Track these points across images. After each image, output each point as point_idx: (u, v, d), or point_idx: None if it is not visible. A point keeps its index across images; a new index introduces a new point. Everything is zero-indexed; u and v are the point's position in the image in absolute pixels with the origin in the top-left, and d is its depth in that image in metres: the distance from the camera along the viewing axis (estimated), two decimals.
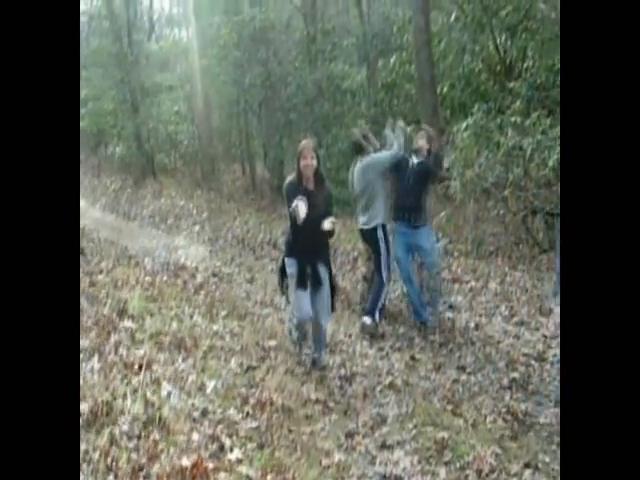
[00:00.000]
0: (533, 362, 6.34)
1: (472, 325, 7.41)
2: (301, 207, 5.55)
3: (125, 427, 4.32)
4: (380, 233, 7.33)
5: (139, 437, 4.26)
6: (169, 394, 4.98)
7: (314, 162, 5.94)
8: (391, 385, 5.79)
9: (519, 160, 10.45)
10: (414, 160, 7.49)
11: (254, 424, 4.73)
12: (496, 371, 6.16)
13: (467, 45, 15.87)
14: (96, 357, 5.48)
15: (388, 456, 4.55)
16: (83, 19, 22.72)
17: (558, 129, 9.64)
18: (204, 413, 4.77)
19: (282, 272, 6.27)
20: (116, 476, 3.74)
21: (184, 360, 5.84)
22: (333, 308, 6.38)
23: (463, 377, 6.05)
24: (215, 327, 7.02)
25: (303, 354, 6.41)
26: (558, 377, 5.85)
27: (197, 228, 14.21)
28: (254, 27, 16.76)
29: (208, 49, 19.41)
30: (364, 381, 5.92)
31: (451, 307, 8.10)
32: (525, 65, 15.19)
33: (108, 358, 5.51)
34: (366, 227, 7.48)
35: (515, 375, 6.01)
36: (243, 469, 4.05)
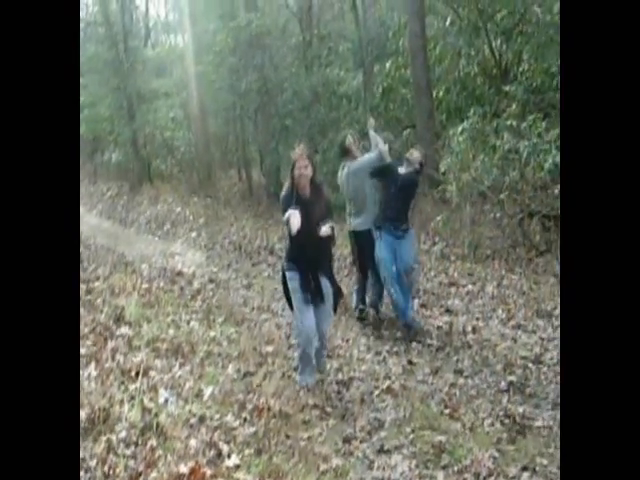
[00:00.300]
0: (530, 365, 6.33)
1: (469, 328, 7.41)
2: (294, 218, 5.39)
3: (122, 434, 4.31)
4: (377, 234, 7.41)
5: (136, 444, 4.25)
6: (166, 401, 4.97)
7: (308, 171, 5.75)
8: (388, 389, 5.78)
9: (515, 163, 10.46)
10: (405, 169, 7.54)
11: (252, 430, 4.72)
12: (493, 374, 6.15)
13: (463, 49, 15.91)
14: (93, 364, 5.48)
15: (386, 460, 4.55)
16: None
17: (554, 132, 9.67)
18: (201, 419, 4.76)
19: (285, 283, 6.05)
20: None
21: (181, 366, 5.83)
22: (335, 311, 6.31)
23: (460, 381, 6.04)
24: (212, 333, 7.02)
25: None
26: (555, 380, 5.85)
27: (194, 234, 14.21)
28: (250, 33, 16.76)
29: (204, 55, 19.42)
30: (361, 386, 5.91)
31: (448, 311, 8.10)
32: (520, 69, 15.24)
33: (105, 365, 5.51)
34: (361, 229, 7.59)
35: (512, 378, 6.00)
36: (241, 475, 4.05)
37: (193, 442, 4.36)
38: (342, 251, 10.52)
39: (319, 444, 4.72)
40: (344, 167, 7.80)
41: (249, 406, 5.09)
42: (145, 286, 8.77)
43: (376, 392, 5.70)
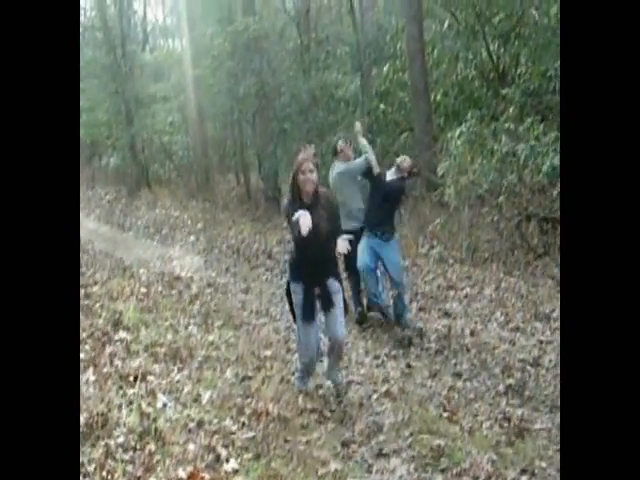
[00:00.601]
0: (529, 368, 6.33)
1: (467, 332, 7.40)
2: (304, 218, 4.95)
3: (121, 439, 4.32)
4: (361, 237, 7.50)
5: (135, 449, 4.26)
6: (165, 405, 4.97)
7: (314, 176, 5.34)
8: (387, 393, 5.78)
9: (513, 166, 10.47)
10: (394, 175, 7.59)
11: (250, 434, 4.72)
12: (492, 377, 6.15)
13: (460, 52, 15.92)
14: (91, 369, 5.48)
15: (384, 464, 4.55)
16: None
17: (551, 135, 9.68)
18: (200, 424, 4.76)
19: (289, 296, 5.67)
20: None
21: (179, 371, 5.84)
22: (346, 310, 5.92)
23: (459, 384, 6.04)
24: (210, 337, 7.02)
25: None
26: (554, 382, 5.85)
27: (192, 238, 14.20)
28: (248, 37, 16.76)
29: (202, 59, 19.40)
30: (360, 389, 5.91)
31: (446, 314, 8.10)
32: (518, 72, 15.25)
33: (103, 370, 5.51)
34: (346, 228, 7.66)
35: (511, 381, 6.00)
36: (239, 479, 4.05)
37: (191, 447, 4.37)
38: None
39: (318, 448, 4.72)
40: (333, 167, 7.86)
41: (247, 410, 5.09)
42: (143, 291, 8.78)
43: (375, 396, 5.70)
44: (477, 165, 10.56)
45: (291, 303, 5.67)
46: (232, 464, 4.23)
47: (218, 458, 4.29)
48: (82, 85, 20.52)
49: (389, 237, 7.62)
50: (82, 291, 8.05)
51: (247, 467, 4.25)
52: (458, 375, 6.26)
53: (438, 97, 16.23)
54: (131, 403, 4.89)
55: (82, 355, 5.68)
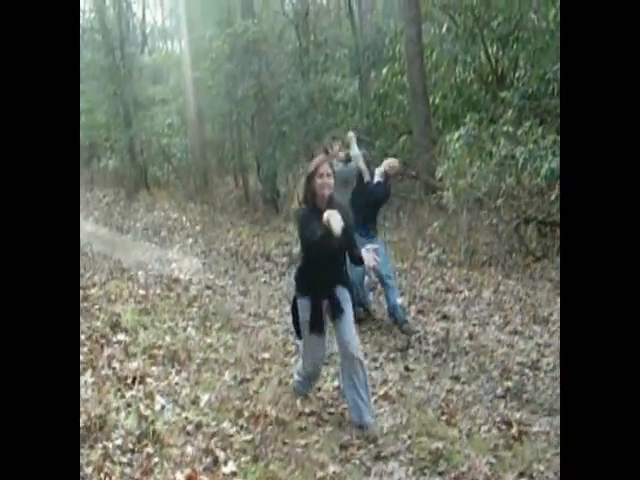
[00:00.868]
0: (527, 371, 6.33)
1: (466, 335, 7.41)
2: (335, 217, 4.49)
3: (119, 441, 4.32)
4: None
5: (133, 451, 4.26)
6: (163, 408, 4.97)
7: (331, 180, 4.95)
8: (385, 396, 5.78)
9: (511, 169, 10.50)
10: (381, 177, 7.60)
11: (248, 437, 4.72)
12: (490, 380, 6.15)
13: (459, 56, 15.94)
14: (89, 371, 5.48)
15: (383, 467, 4.54)
16: None
17: (550, 138, 9.69)
18: (198, 426, 4.76)
19: (295, 312, 5.32)
20: None
21: (178, 373, 5.83)
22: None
23: (457, 387, 6.04)
24: (209, 340, 7.02)
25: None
26: (552, 385, 5.85)
27: (190, 241, 14.19)
28: (246, 39, 16.77)
29: (201, 61, 19.42)
30: None
31: (445, 317, 8.10)
32: (517, 75, 15.27)
33: (101, 372, 5.51)
34: None
35: (509, 384, 6.00)
36: None
37: (189, 449, 4.37)
38: None
39: (316, 451, 4.72)
40: None
41: (246, 413, 5.08)
42: (142, 293, 8.77)
43: (373, 398, 5.68)
44: (476, 168, 10.58)
45: (296, 319, 5.30)
46: (230, 467, 4.23)
47: (216, 461, 4.29)
48: (81, 87, 20.51)
49: (373, 235, 7.66)
50: (80, 293, 8.04)
51: (245, 470, 4.25)
52: (456, 378, 6.26)
53: (437, 100, 16.26)
54: (129, 405, 4.89)
55: (80, 357, 5.68)
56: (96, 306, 7.66)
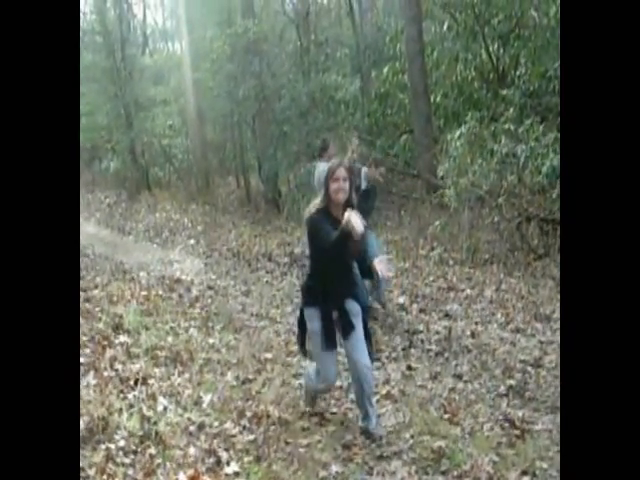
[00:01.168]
0: (530, 369, 6.32)
1: (468, 333, 7.40)
2: (355, 218, 4.26)
3: (121, 443, 4.33)
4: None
5: (135, 452, 4.26)
6: (165, 409, 4.97)
7: (347, 185, 4.68)
8: (388, 395, 5.77)
9: (513, 167, 10.49)
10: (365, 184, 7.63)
11: (251, 437, 4.73)
12: (493, 378, 6.15)
13: (460, 54, 15.95)
14: (92, 373, 5.49)
15: (385, 467, 4.54)
16: None
17: (551, 136, 9.68)
18: (200, 427, 4.77)
19: (301, 326, 5.05)
20: None
21: (180, 374, 5.84)
22: (372, 357, 5.12)
23: (460, 385, 6.03)
24: (211, 340, 7.02)
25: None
26: (555, 383, 5.85)
27: (192, 242, 14.19)
28: (247, 40, 16.77)
29: (201, 62, 19.42)
30: None
31: (447, 315, 8.10)
32: (518, 72, 15.27)
33: (104, 373, 5.52)
34: None
35: (512, 382, 5.99)
36: None
37: (192, 450, 4.38)
38: None
39: (318, 451, 4.72)
40: (317, 167, 7.79)
41: (248, 413, 5.09)
42: (144, 294, 8.78)
43: (375, 398, 5.68)
44: (477, 166, 10.57)
45: (302, 333, 5.06)
46: (233, 467, 4.24)
47: (219, 461, 4.30)
48: (82, 89, 20.50)
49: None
50: (82, 295, 8.06)
51: (248, 470, 4.25)
52: (459, 377, 6.25)
53: (438, 98, 16.26)
54: (132, 407, 4.90)
55: (82, 359, 5.69)
56: (98, 308, 7.67)
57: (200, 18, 23.40)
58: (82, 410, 4.52)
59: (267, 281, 10.53)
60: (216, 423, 4.85)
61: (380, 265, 4.64)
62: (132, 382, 5.42)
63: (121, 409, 4.80)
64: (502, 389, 5.88)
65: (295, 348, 6.60)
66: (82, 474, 3.84)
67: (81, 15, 26.34)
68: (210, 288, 9.94)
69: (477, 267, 10.16)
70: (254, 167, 19.98)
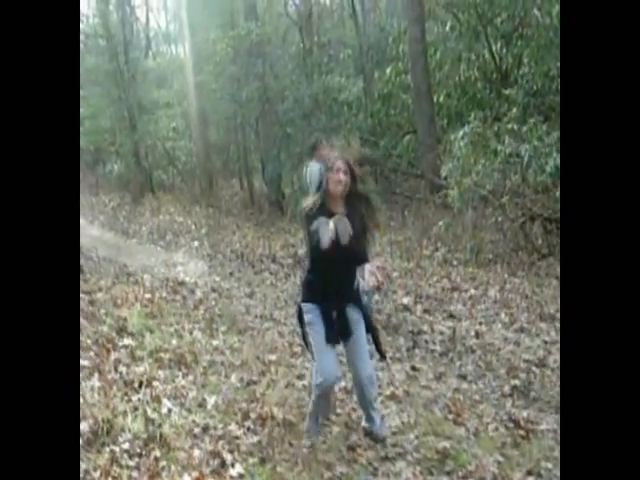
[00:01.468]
0: (534, 368, 6.32)
1: (472, 333, 7.40)
2: (326, 228, 4.12)
3: (126, 445, 4.31)
4: None
5: (140, 455, 4.25)
6: (170, 411, 4.97)
7: (346, 178, 4.44)
8: (392, 396, 5.77)
9: (516, 167, 10.50)
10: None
11: (255, 439, 4.71)
12: (497, 379, 6.15)
13: (463, 54, 15.97)
14: (96, 375, 5.47)
15: (390, 467, 4.53)
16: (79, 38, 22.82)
17: (554, 135, 9.68)
18: (205, 429, 4.76)
19: (302, 320, 4.75)
20: None
21: (184, 376, 5.83)
22: (382, 354, 5.04)
23: (464, 386, 6.03)
24: (215, 342, 7.01)
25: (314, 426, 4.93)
26: (559, 383, 5.84)
27: (196, 244, 14.20)
28: (250, 42, 16.81)
29: (205, 65, 19.45)
30: None
31: (451, 316, 8.09)
32: (521, 72, 15.28)
33: (108, 376, 5.50)
34: None
35: (516, 382, 5.99)
36: None
37: (197, 452, 4.36)
38: None
39: (323, 452, 4.70)
40: (309, 166, 7.80)
41: (252, 415, 5.07)
42: (147, 296, 8.77)
43: (380, 399, 5.68)
44: (480, 166, 10.57)
45: (303, 327, 4.77)
46: (237, 469, 4.22)
47: (223, 463, 4.29)
48: (85, 92, 20.65)
49: None
50: (86, 298, 8.05)
51: (252, 472, 4.24)
52: (463, 377, 6.25)
53: (441, 99, 16.29)
54: (136, 409, 4.88)
55: (87, 362, 5.68)
56: (102, 310, 7.66)
57: (203, 21, 23.43)
58: (86, 413, 4.51)
59: (271, 283, 10.53)
60: (220, 425, 4.84)
61: (369, 271, 4.39)
62: (136, 384, 5.40)
63: (125, 412, 4.79)
64: (506, 389, 5.88)
65: (299, 350, 6.60)
66: (87, 477, 3.83)
67: (84, 18, 26.48)
68: (214, 290, 9.94)
69: (481, 267, 10.16)
70: (257, 169, 20.02)
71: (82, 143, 21.03)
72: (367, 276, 4.35)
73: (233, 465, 4.28)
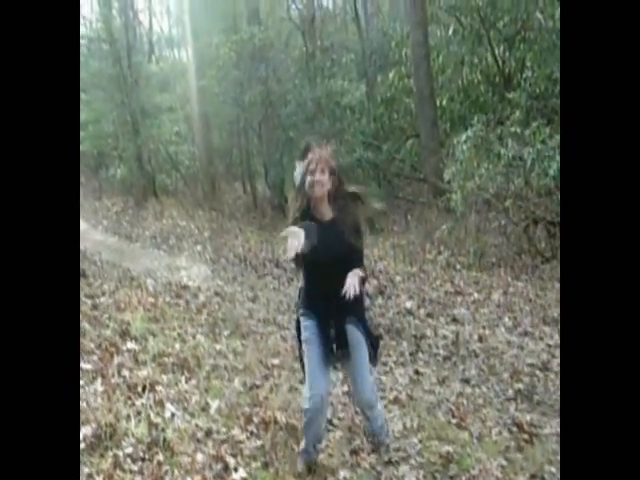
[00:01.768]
0: (538, 372, 6.32)
1: (476, 337, 7.39)
2: (293, 238, 3.74)
3: (129, 450, 4.31)
4: None
5: (143, 459, 4.25)
6: (173, 415, 4.97)
7: (325, 178, 4.11)
8: (395, 400, 5.76)
9: (519, 170, 10.49)
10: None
11: (258, 443, 4.71)
12: (500, 382, 6.14)
13: (465, 57, 15.98)
14: (99, 380, 5.47)
15: (393, 472, 4.52)
16: (82, 42, 22.85)
17: (557, 138, 9.67)
18: (208, 433, 4.75)
19: (299, 336, 4.40)
20: None
21: (187, 380, 5.82)
22: (375, 361, 4.51)
23: (467, 390, 6.02)
24: (218, 346, 7.01)
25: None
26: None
27: (199, 248, 14.21)
28: (253, 46, 16.83)
29: (208, 69, 19.45)
30: None
31: (454, 320, 8.08)
32: (524, 75, 15.28)
33: (111, 380, 5.49)
34: None
35: (520, 386, 5.99)
36: None
37: (200, 456, 4.36)
38: None
39: (326, 456, 4.70)
40: (296, 169, 7.78)
41: (256, 419, 5.07)
42: (151, 301, 8.77)
43: (383, 403, 5.67)
44: (483, 170, 10.57)
45: (300, 343, 4.41)
46: (241, 473, 4.22)
47: (226, 467, 4.28)
48: (88, 96, 20.69)
49: None
50: (89, 302, 8.05)
51: (255, 476, 4.24)
52: (466, 381, 6.24)
53: (444, 102, 16.29)
54: (139, 413, 4.88)
55: (90, 366, 5.68)
56: (105, 314, 7.65)
57: (206, 25, 23.46)
58: (89, 417, 4.51)
59: (274, 287, 10.53)
60: (223, 429, 4.84)
61: (350, 279, 3.97)
62: (140, 389, 5.40)
63: (129, 416, 4.78)
64: (510, 393, 5.87)
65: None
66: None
67: (87, 23, 26.53)
68: (217, 294, 9.94)
69: (484, 271, 10.15)
70: (260, 173, 20.03)
71: (85, 147, 21.08)
72: (346, 286, 3.90)
73: (236, 469, 4.27)
